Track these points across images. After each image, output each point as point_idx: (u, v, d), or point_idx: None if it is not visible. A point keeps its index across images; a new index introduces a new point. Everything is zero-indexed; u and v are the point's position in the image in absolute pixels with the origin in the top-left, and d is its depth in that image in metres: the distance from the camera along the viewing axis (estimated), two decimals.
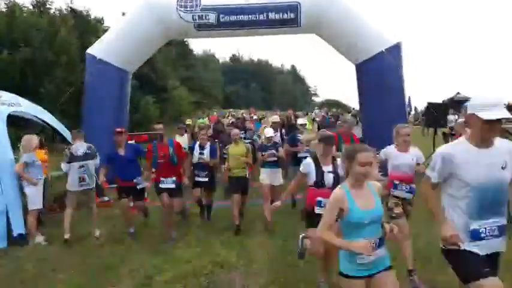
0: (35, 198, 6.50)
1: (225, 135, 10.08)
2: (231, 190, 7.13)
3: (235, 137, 7.34)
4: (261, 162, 7.32)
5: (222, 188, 8.66)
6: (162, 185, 6.49)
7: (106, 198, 8.67)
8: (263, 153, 7.20)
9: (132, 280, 4.90)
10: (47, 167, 7.26)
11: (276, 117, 10.83)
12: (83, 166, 6.64)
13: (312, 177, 4.42)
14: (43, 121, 8.80)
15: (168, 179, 6.48)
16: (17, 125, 9.38)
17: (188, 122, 15.26)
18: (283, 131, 10.83)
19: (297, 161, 7.28)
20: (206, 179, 7.23)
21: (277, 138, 9.35)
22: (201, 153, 7.23)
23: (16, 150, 6.90)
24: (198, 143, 7.46)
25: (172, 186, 6.46)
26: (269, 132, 7.57)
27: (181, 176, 6.74)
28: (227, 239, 6.36)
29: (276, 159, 7.25)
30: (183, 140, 10.39)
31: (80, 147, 6.73)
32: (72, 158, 6.61)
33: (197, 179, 7.29)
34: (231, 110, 29.77)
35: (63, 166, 6.73)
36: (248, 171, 7.29)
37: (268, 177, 7.15)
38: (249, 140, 9.75)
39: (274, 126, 9.79)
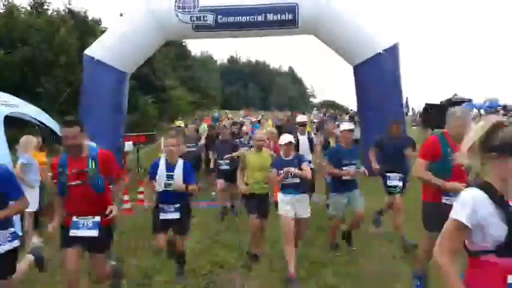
0: (31, 200, 6.47)
1: (220, 142, 8.36)
2: (248, 210, 5.40)
3: (259, 143, 5.44)
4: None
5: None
6: (73, 232, 3.66)
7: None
8: (280, 172, 4.88)
9: (131, 280, 4.89)
10: (43, 169, 7.24)
11: (348, 125, 6.05)
12: None
13: (498, 234, 1.90)
14: (40, 122, 8.79)
15: (85, 219, 3.67)
16: (14, 126, 9.36)
17: (179, 123, 12.32)
18: (313, 135, 8.60)
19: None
20: (177, 216, 4.75)
21: (306, 147, 7.41)
22: (169, 177, 4.72)
23: (12, 151, 6.87)
24: (163, 158, 4.92)
25: (93, 233, 3.65)
26: (285, 138, 5.09)
27: (108, 212, 3.68)
28: (226, 239, 6.36)
29: (298, 180, 4.93)
30: None
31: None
32: None
33: (163, 216, 4.76)
34: (227, 111, 29.71)
35: None
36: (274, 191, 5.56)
37: (290, 206, 4.90)
38: (246, 148, 7.75)
39: (346, 138, 5.70)
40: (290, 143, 5.02)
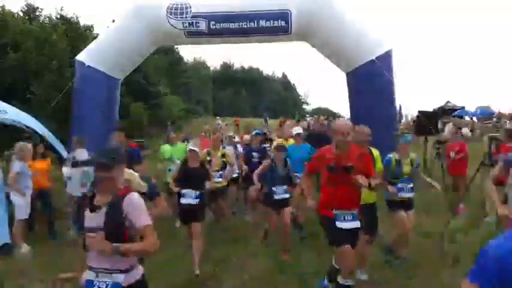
0: (22, 208, 6.40)
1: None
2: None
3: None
4: None
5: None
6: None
7: None
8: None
9: None
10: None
11: None
12: (85, 171, 6.81)
13: None
14: (30, 128, 8.67)
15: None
16: (4, 132, 9.25)
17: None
18: None
19: None
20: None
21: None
22: None
23: (2, 157, 6.81)
24: None
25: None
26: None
27: None
28: (218, 250, 6.26)
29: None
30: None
31: (82, 152, 6.85)
32: (75, 163, 6.68)
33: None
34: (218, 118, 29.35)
35: (66, 170, 6.81)
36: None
37: None
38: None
39: None
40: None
